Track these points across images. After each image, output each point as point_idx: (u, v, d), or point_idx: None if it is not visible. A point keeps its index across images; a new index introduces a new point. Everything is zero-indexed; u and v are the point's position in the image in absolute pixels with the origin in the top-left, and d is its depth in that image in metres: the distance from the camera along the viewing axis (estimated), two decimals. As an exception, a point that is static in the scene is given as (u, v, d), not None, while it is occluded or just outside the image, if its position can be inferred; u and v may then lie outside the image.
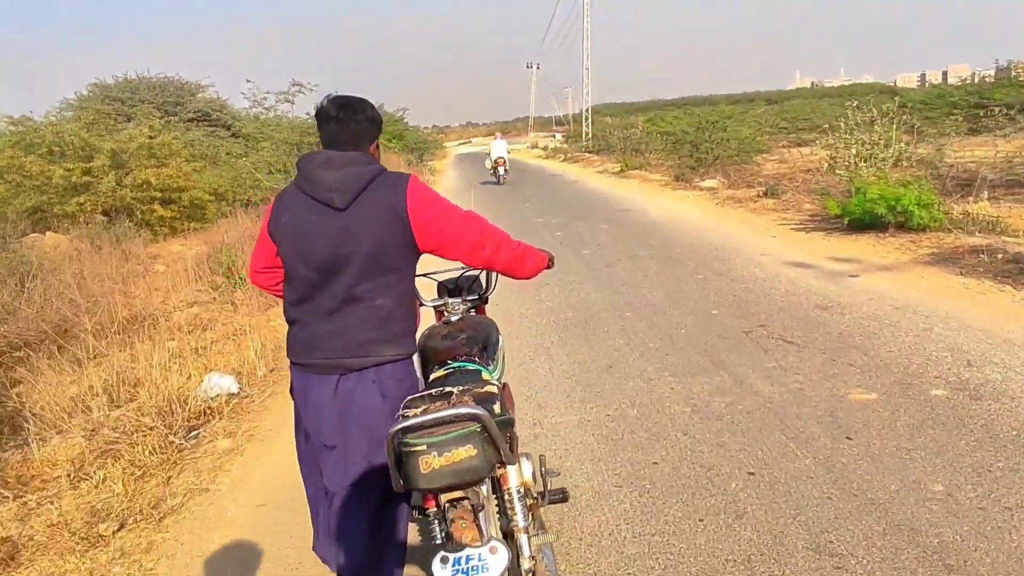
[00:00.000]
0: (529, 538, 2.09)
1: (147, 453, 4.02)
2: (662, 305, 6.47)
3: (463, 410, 1.85)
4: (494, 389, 2.21)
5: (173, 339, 7.47)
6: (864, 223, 8.85)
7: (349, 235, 2.13)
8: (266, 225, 2.28)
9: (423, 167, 34.02)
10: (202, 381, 5.09)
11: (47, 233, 17.35)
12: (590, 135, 42.34)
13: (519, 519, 2.08)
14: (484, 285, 3.01)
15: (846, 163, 15.62)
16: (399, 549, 2.33)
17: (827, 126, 38.31)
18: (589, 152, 36.92)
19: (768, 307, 6.12)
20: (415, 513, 2.25)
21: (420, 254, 2.28)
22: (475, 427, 1.84)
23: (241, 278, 9.37)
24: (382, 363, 2.20)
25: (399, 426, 1.82)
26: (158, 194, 18.90)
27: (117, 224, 18.32)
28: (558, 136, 72.99)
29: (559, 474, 3.40)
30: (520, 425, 3.24)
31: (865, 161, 15.39)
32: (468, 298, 2.92)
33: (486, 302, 3.04)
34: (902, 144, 16.14)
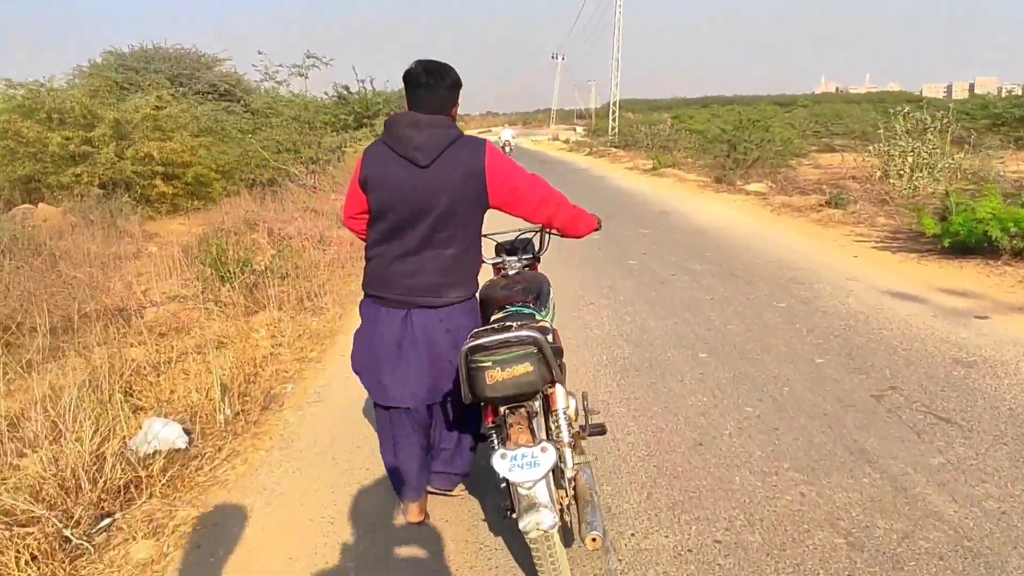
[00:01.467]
0: (572, 453, 2.37)
1: (22, 564, 2.66)
2: (745, 344, 5.06)
3: (523, 333, 2.21)
4: (547, 324, 2.60)
5: (135, 345, 6.19)
6: (967, 247, 7.41)
7: (430, 190, 2.46)
8: (357, 176, 2.58)
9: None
10: (139, 429, 3.74)
11: (40, 205, 16.15)
12: (616, 130, 40.73)
13: (564, 435, 2.36)
14: (537, 246, 3.27)
15: (899, 172, 14.31)
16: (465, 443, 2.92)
17: (864, 132, 36.92)
18: (615, 147, 35.36)
19: (889, 357, 4.70)
20: (476, 442, 2.92)
21: (487, 210, 2.61)
22: (532, 349, 2.19)
23: (231, 272, 8.06)
24: (448, 304, 2.60)
25: (470, 344, 2.19)
26: (160, 168, 17.67)
27: (114, 199, 17.10)
28: (579, 130, 71.49)
29: (599, 412, 3.70)
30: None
31: (921, 171, 14.07)
32: (523, 257, 3.23)
33: (539, 261, 3.32)
34: (961, 155, 14.79)
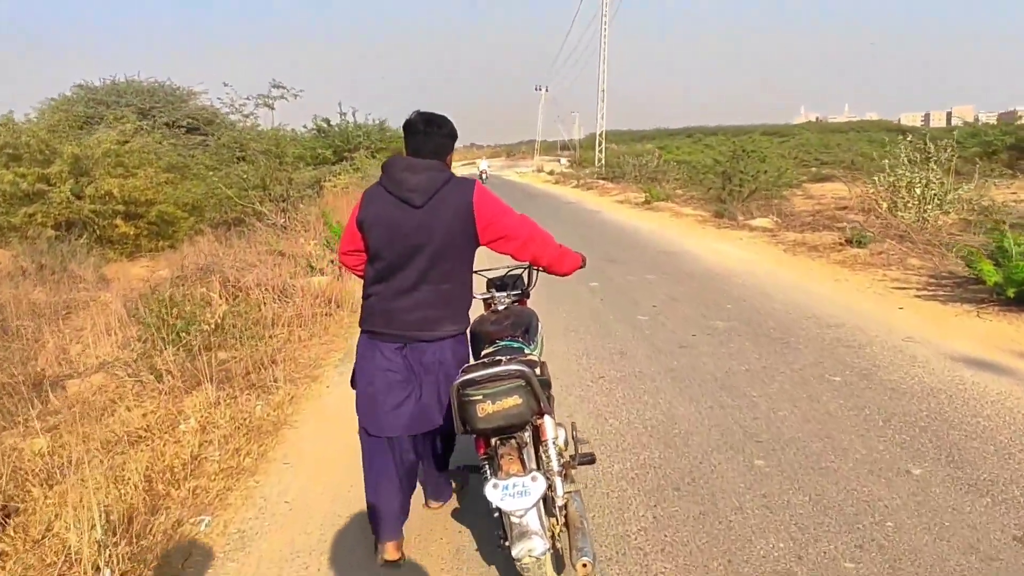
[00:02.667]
0: (562, 481, 2.42)
1: None
2: (809, 444, 3.88)
3: (512, 367, 2.31)
4: (535, 358, 2.69)
5: (37, 435, 5.04)
6: (1030, 296, 6.34)
7: (424, 228, 2.60)
8: (355, 216, 2.73)
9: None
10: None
11: (-10, 249, 14.90)
12: (603, 161, 39.89)
13: (554, 464, 2.42)
14: (525, 282, 3.40)
15: (906, 204, 13.40)
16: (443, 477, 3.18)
17: (853, 162, 36.23)
18: (603, 179, 34.45)
19: (1005, 463, 3.53)
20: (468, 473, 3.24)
21: (477, 247, 2.73)
22: (521, 382, 2.30)
23: (176, 333, 6.88)
24: (443, 338, 2.73)
25: (461, 379, 2.31)
26: (121, 207, 16.45)
27: (68, 241, 15.85)
28: (564, 161, 70.93)
29: (588, 441, 3.31)
30: None
31: (929, 203, 13.18)
32: (512, 292, 3.37)
33: (527, 296, 3.44)
34: (968, 185, 13.93)
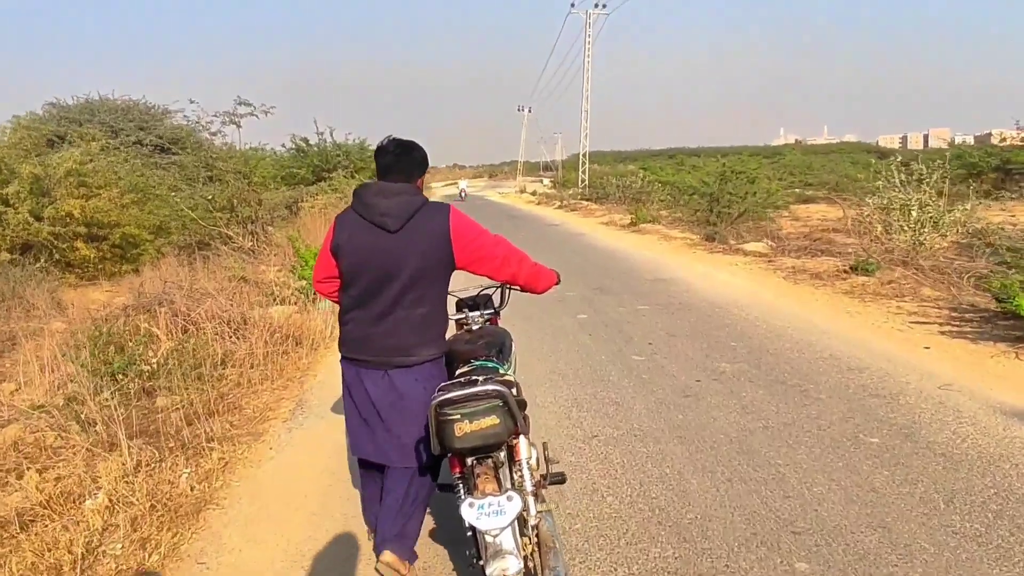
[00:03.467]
0: (534, 501, 2.43)
1: None
2: (862, 537, 3.08)
3: (490, 387, 2.32)
4: (511, 379, 2.72)
5: None
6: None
7: (399, 254, 2.59)
8: (328, 242, 2.72)
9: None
10: None
11: (-62, 275, 13.94)
12: (586, 182, 39.30)
13: (527, 484, 2.43)
14: (497, 302, 3.39)
15: (902, 226, 12.83)
16: (422, 508, 2.85)
17: (838, 183, 35.90)
18: (586, 200, 33.83)
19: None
20: (438, 491, 2.88)
21: (453, 270, 2.73)
22: (498, 402, 2.30)
23: (113, 376, 6.09)
24: (422, 362, 2.69)
25: (440, 399, 2.29)
26: (83, 230, 15.54)
27: (23, 265, 14.92)
28: (546, 181, 70.50)
29: (558, 461, 3.48)
30: None
31: (924, 226, 12.61)
32: (485, 312, 3.36)
33: (499, 315, 3.42)
34: (965, 207, 13.38)
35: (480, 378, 2.43)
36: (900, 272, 9.07)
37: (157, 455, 4.49)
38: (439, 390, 2.36)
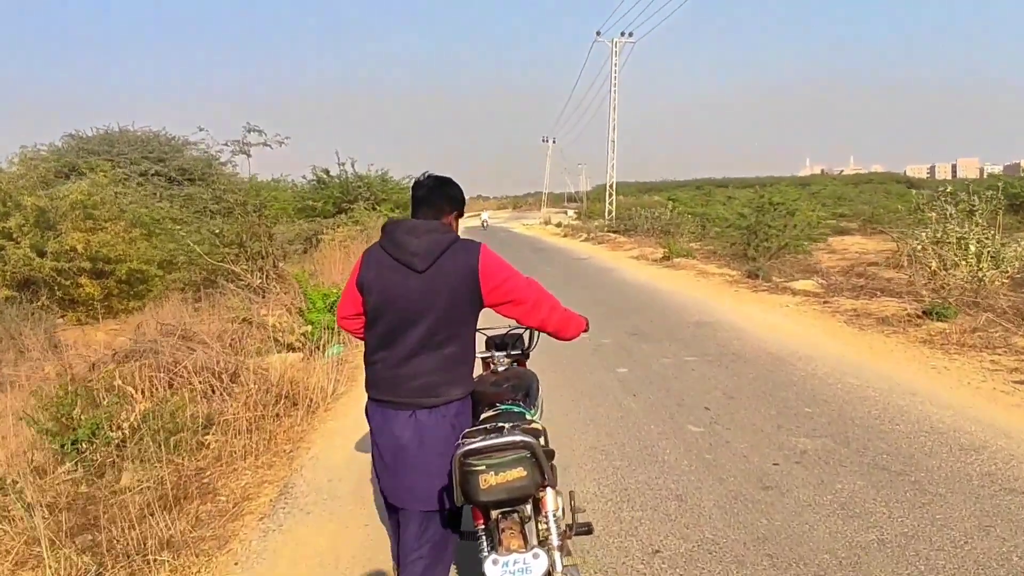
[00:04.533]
0: (560, 556, 2.30)
1: None
2: None
3: (517, 437, 2.20)
4: (539, 427, 2.57)
5: None
6: None
7: (427, 293, 2.50)
8: (354, 279, 2.65)
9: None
10: None
11: (-64, 314, 13.36)
12: (613, 213, 38.34)
13: (554, 538, 2.31)
14: (526, 343, 3.27)
15: (956, 261, 11.75)
16: (446, 557, 2.63)
17: (873, 214, 34.62)
18: (614, 232, 32.84)
19: None
20: (460, 539, 2.64)
21: (482, 308, 2.61)
22: (526, 453, 2.18)
23: (74, 446, 5.22)
24: (450, 401, 2.56)
25: (464, 449, 2.18)
26: (87, 265, 14.85)
27: (21, 302, 14.24)
28: (570, 212, 69.80)
29: (584, 510, 3.24)
30: None
31: (984, 261, 11.52)
32: (512, 352, 3.22)
33: (528, 357, 3.30)
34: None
35: (506, 425, 2.34)
36: (986, 318, 7.91)
37: (94, 567, 3.52)
38: (463, 437, 2.29)
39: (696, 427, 5.14)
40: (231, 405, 5.94)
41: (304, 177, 31.19)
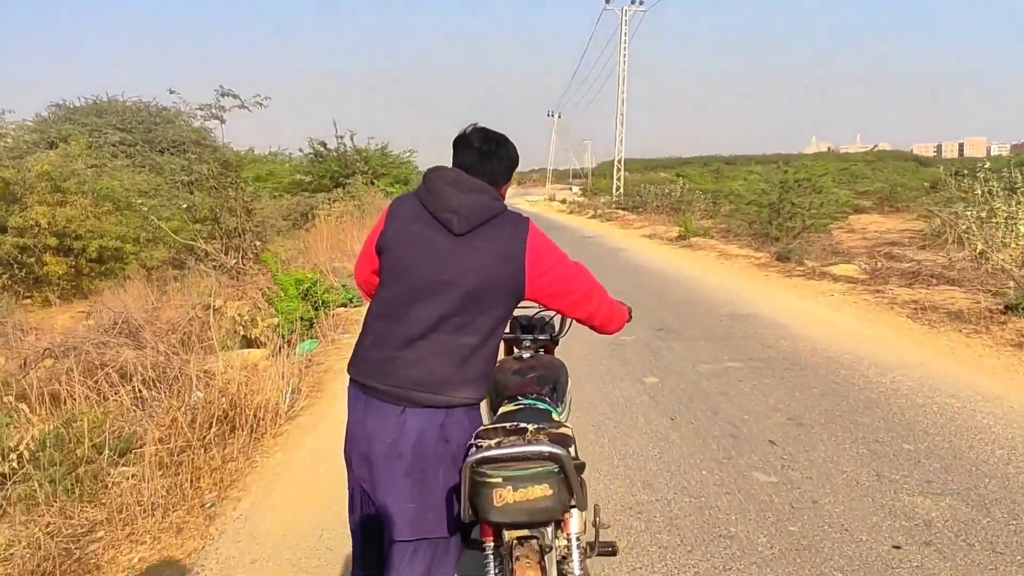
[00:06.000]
0: None
1: None
2: None
3: (545, 448, 1.77)
4: (568, 432, 1.99)
5: None
6: None
7: (458, 263, 1.96)
8: (377, 233, 2.09)
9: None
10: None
11: None
12: (621, 190, 36.83)
13: (575, 567, 1.93)
14: (557, 327, 2.85)
15: (1004, 242, 10.57)
16: None
17: (892, 192, 33.24)
18: (622, 209, 31.39)
19: None
20: (465, 547, 2.10)
21: (521, 299, 2.07)
22: (553, 467, 1.77)
23: None
24: (453, 405, 1.99)
25: (478, 455, 1.75)
26: (53, 241, 13.60)
27: (-20, 282, 13.05)
28: (575, 189, 68.37)
29: (609, 526, 3.01)
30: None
31: None
32: (540, 337, 2.78)
33: (556, 344, 2.89)
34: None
35: (530, 427, 1.91)
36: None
37: None
38: (476, 436, 1.89)
39: (765, 475, 3.79)
40: (150, 428, 4.61)
41: (300, 150, 29.83)
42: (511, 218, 2.05)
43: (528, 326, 2.80)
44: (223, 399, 4.82)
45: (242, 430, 4.64)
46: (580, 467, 1.87)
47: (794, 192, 16.74)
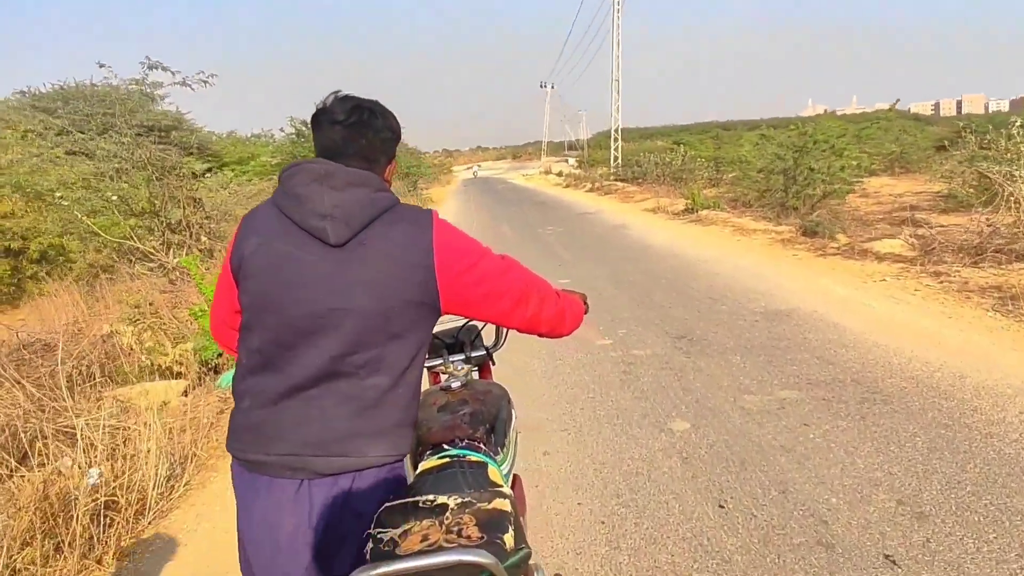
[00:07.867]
0: None
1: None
2: None
3: (463, 556, 1.19)
4: (506, 505, 1.35)
5: None
6: None
7: (343, 284, 1.42)
8: (229, 257, 1.55)
9: (415, 198, 26.83)
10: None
11: None
12: (619, 160, 35.09)
13: None
14: (491, 339, 2.19)
15: None
16: None
17: (903, 153, 31.55)
18: (621, 181, 29.69)
19: None
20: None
21: (438, 315, 1.52)
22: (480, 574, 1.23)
23: None
24: (364, 468, 1.44)
25: (375, 572, 1.17)
26: (-17, 240, 12.21)
27: None
28: (571, 161, 66.58)
29: None
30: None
31: None
32: (472, 355, 2.14)
33: (494, 361, 2.22)
34: None
35: (451, 503, 1.33)
36: None
37: None
38: (376, 520, 1.32)
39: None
40: (32, 478, 3.04)
41: (282, 130, 28.18)
42: (406, 212, 1.49)
43: (454, 344, 2.18)
44: (44, 495, 3.21)
45: (123, 512, 3.05)
46: (520, 562, 1.26)
47: (812, 156, 15.09)
